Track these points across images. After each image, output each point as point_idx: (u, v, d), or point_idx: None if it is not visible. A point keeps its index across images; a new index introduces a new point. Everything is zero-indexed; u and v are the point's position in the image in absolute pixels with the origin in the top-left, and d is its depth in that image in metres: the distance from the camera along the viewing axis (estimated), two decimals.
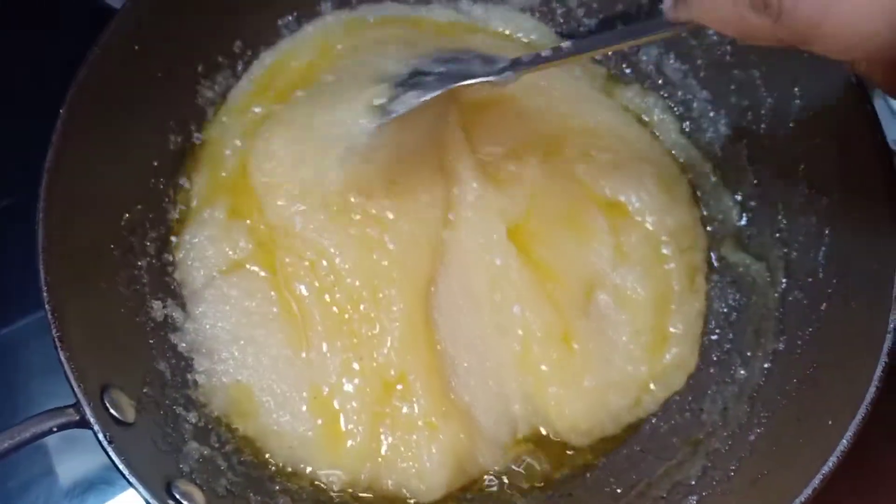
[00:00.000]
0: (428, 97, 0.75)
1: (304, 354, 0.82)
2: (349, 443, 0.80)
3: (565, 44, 0.75)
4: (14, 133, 1.06)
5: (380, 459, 0.80)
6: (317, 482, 0.80)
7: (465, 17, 1.02)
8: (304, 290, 0.84)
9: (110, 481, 0.92)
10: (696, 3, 0.61)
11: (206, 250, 0.86)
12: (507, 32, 1.02)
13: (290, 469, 0.81)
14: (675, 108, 0.99)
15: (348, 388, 0.81)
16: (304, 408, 0.81)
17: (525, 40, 1.02)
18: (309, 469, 0.80)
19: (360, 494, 0.80)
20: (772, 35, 0.55)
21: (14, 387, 0.97)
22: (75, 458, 0.93)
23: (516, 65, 0.75)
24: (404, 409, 0.80)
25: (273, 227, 0.85)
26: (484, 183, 0.86)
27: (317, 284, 0.84)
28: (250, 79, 0.95)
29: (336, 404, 0.81)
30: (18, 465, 0.92)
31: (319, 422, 0.80)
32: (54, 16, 1.15)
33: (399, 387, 0.81)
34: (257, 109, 0.92)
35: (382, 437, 0.80)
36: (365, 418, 0.80)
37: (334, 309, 0.83)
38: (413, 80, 0.78)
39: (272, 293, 0.85)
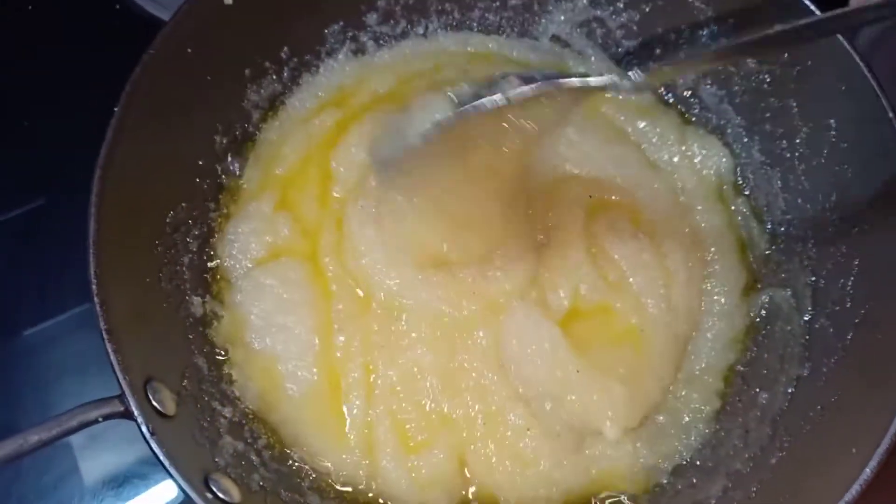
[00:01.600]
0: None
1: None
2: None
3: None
4: (48, 136, 1.11)
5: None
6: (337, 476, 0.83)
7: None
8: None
9: (134, 479, 0.94)
10: None
11: (248, 241, 0.90)
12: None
13: (311, 464, 0.83)
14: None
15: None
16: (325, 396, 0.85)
17: None
18: (329, 464, 0.83)
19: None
20: None
21: (44, 383, 0.99)
22: (99, 456, 0.95)
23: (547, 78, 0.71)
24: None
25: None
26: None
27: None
28: (313, 93, 0.99)
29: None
30: (41, 464, 0.94)
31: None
32: (102, 21, 1.18)
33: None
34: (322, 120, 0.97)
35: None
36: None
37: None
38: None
39: (307, 281, 0.89)
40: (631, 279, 0.89)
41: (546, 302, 0.87)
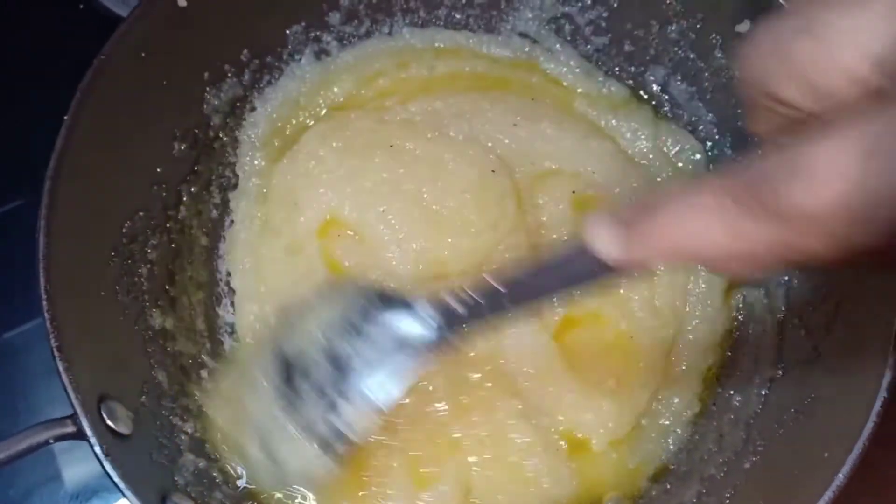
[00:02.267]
0: None
1: None
2: None
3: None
4: (20, 136, 1.07)
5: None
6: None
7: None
8: None
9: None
10: (658, 231, 0.43)
11: None
12: None
13: None
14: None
15: None
16: None
17: None
18: None
19: None
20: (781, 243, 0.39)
21: (16, 390, 0.97)
22: (81, 462, 0.93)
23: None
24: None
25: None
26: None
27: None
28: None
29: None
30: (24, 470, 0.92)
31: None
32: (63, 22, 1.15)
33: None
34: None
35: None
36: None
37: None
38: None
39: None
40: None
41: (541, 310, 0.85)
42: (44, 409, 0.95)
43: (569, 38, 1.02)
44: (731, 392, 0.85)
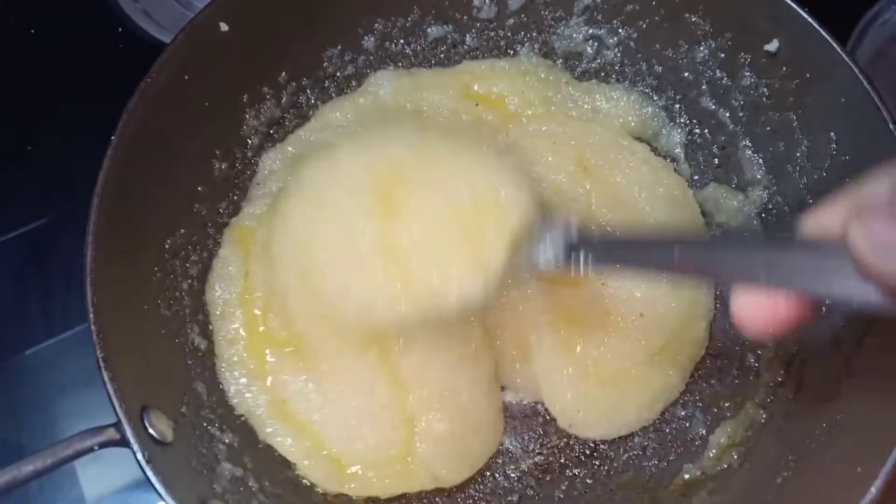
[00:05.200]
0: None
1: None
2: None
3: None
4: (57, 154, 1.12)
5: None
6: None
7: None
8: None
9: (137, 499, 0.94)
10: None
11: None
12: None
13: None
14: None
15: None
16: None
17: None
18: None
19: None
20: None
21: (47, 402, 1.00)
22: (101, 474, 0.95)
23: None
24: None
25: None
26: None
27: None
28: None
29: None
30: (44, 486, 0.94)
31: None
32: (105, 45, 1.19)
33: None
34: None
35: None
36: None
37: None
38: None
39: None
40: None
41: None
42: (75, 419, 0.98)
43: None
44: (760, 406, 0.85)
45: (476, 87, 1.01)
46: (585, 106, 1.01)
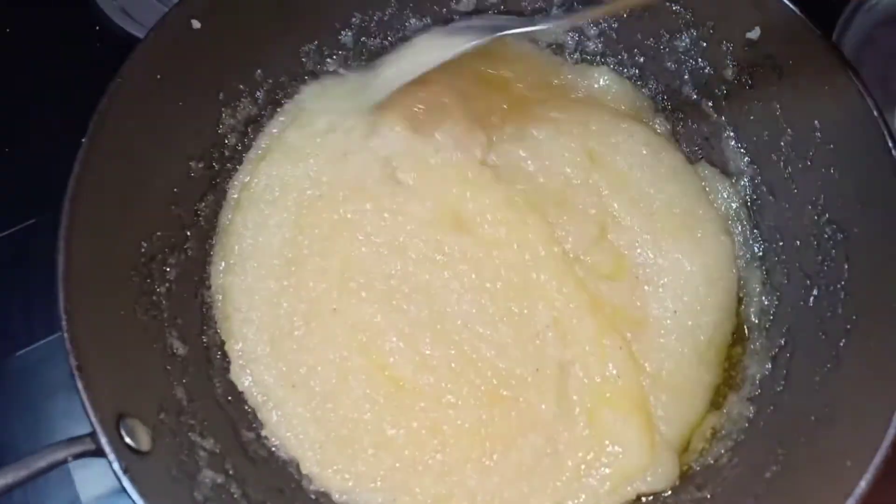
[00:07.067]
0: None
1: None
2: None
3: None
4: (37, 154, 1.10)
5: None
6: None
7: None
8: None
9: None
10: None
11: None
12: None
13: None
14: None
15: None
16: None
17: None
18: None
19: None
20: None
21: (35, 404, 0.98)
22: (98, 480, 0.93)
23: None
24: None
25: None
26: None
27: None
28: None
29: None
30: (40, 488, 0.93)
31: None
32: (82, 43, 1.17)
33: None
34: None
35: None
36: None
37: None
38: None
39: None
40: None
41: None
42: (63, 423, 0.96)
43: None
44: (748, 400, 0.84)
45: (484, 69, 1.00)
46: (580, 93, 1.01)
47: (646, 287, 0.90)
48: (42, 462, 0.64)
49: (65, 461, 0.65)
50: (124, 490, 0.65)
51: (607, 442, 0.82)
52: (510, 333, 0.86)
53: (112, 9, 1.18)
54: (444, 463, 0.82)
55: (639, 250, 0.91)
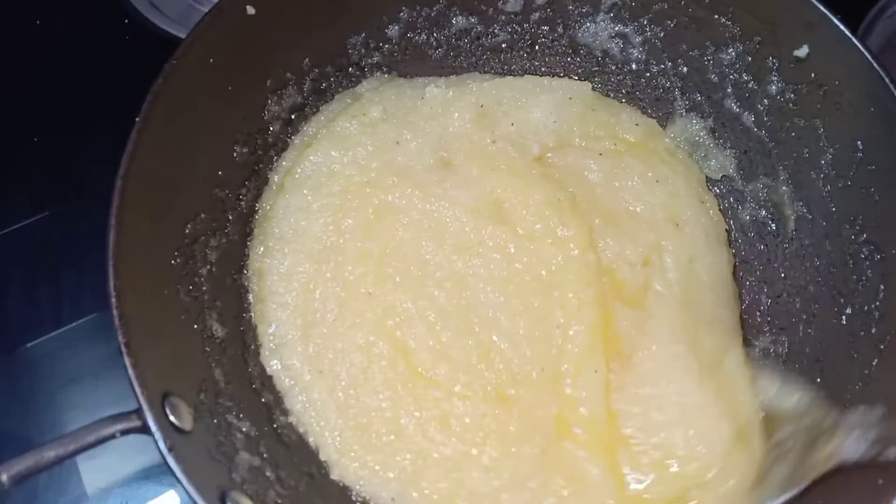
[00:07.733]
0: None
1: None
2: None
3: None
4: (60, 145, 1.11)
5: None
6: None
7: None
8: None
9: (138, 490, 0.93)
10: None
11: None
12: None
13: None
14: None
15: None
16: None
17: None
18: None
19: None
20: None
21: (56, 394, 0.99)
22: (102, 466, 0.94)
23: None
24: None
25: None
26: None
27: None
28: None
29: None
30: (45, 476, 0.93)
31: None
32: (111, 37, 1.19)
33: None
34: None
35: None
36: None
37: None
38: None
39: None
40: None
41: None
42: (78, 414, 0.97)
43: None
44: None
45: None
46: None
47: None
48: (91, 437, 0.65)
49: (112, 436, 0.66)
50: (169, 468, 0.66)
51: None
52: (526, 326, 0.87)
53: (142, 3, 1.19)
54: (449, 458, 0.83)
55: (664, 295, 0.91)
